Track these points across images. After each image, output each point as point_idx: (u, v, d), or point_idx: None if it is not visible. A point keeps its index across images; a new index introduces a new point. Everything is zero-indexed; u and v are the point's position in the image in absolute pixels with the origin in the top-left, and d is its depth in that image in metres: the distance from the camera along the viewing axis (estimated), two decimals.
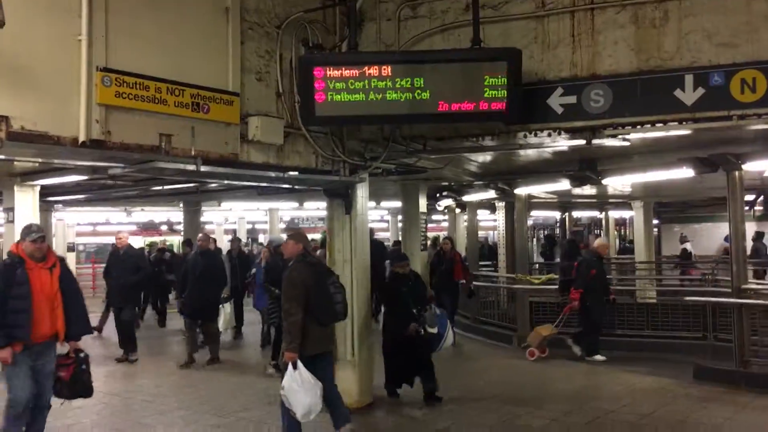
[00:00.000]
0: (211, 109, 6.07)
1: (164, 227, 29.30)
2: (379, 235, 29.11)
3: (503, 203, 15.23)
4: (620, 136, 7.17)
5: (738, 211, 8.84)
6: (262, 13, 6.78)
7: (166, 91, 5.71)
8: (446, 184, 13.96)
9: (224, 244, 18.43)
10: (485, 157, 10.29)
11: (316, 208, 23.64)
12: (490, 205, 17.67)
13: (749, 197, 14.78)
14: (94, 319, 9.38)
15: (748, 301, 8.77)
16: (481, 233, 22.71)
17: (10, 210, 9.95)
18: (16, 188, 9.78)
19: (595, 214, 27.08)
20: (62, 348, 5.94)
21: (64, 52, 5.15)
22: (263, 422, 7.03)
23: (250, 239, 30.39)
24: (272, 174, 7.03)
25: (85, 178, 8.71)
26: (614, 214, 25.41)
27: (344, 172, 7.65)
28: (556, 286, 12.09)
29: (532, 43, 6.87)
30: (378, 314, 11.77)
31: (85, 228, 29.31)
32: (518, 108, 6.44)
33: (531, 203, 15.52)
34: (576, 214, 26.34)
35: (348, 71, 6.38)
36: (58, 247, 20.45)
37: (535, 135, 7.13)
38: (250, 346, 12.22)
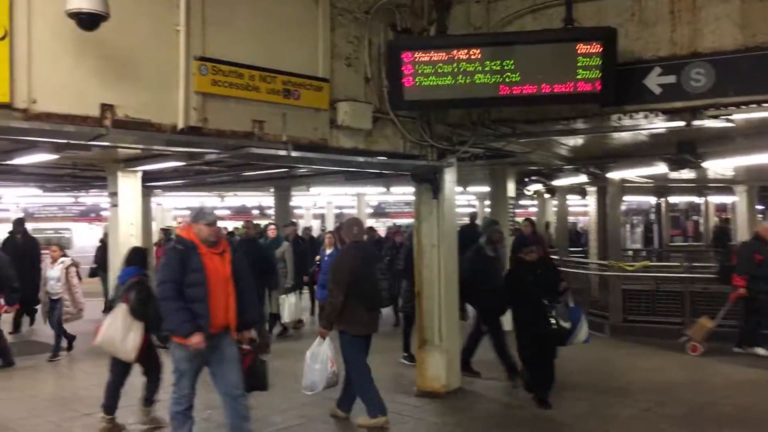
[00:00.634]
0: (302, 95, 6.18)
1: (256, 212, 30.17)
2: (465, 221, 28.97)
3: (595, 188, 14.84)
4: (723, 117, 6.80)
5: None
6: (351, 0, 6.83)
7: (258, 78, 5.84)
8: (535, 168, 13.70)
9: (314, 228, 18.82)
10: (576, 141, 10.03)
11: (402, 193, 23.72)
12: (580, 190, 17.27)
13: None
14: None
15: None
16: (571, 219, 22.20)
17: (114, 194, 10.50)
18: (119, 174, 10.33)
19: (694, 199, 25.93)
20: None
21: (164, 42, 5.35)
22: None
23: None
24: (360, 159, 7.09)
25: (182, 163, 9.10)
26: (714, 199, 24.23)
27: (432, 157, 7.63)
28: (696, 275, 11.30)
29: (627, 21, 6.61)
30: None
31: (182, 212, 30.58)
32: (613, 89, 6.22)
33: (625, 188, 15.02)
34: (673, 199, 25.33)
35: (436, 55, 6.34)
36: (156, 230, 21.31)
37: (630, 117, 6.89)
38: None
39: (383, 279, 6.42)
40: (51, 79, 4.73)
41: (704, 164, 10.18)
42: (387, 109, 6.97)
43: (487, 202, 17.80)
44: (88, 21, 4.56)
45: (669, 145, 9.74)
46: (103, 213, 25.75)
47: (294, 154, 6.27)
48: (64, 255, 9.86)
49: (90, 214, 28.28)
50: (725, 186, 18.61)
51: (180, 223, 11.11)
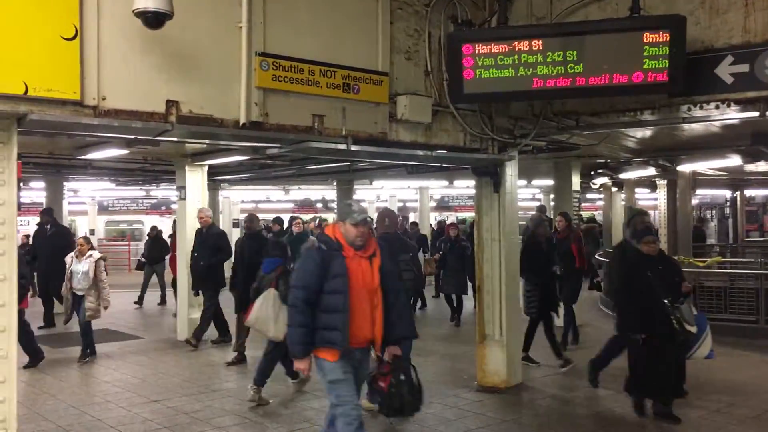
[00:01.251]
0: (361, 89, 6.20)
1: (319, 205, 30.51)
2: (530, 215, 28.54)
3: (665, 181, 14.41)
4: None
5: None
6: None
7: (318, 73, 5.89)
8: (601, 161, 13.40)
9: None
10: (644, 133, 9.76)
11: (466, 186, 23.56)
12: (649, 183, 16.80)
13: None
14: None
15: None
16: None
17: (182, 188, 10.80)
18: (187, 168, 10.61)
19: None
20: None
21: (226, 39, 5.45)
22: None
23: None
24: (420, 152, 7.07)
25: (246, 158, 9.30)
26: None
27: (492, 150, 7.54)
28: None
29: (697, 9, 6.36)
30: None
31: (248, 205, 31.21)
32: (682, 79, 6.00)
33: (696, 180, 14.52)
34: (749, 192, 24.33)
35: (497, 47, 6.25)
36: (225, 223, 21.85)
37: (701, 108, 6.64)
38: None
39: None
40: (119, 76, 4.88)
41: None
42: (447, 102, 6.92)
43: (552, 196, 17.51)
44: (153, 20, 4.69)
45: (743, 136, 9.38)
46: (172, 206, 26.53)
47: (353, 148, 6.31)
48: (92, 248, 9.20)
49: (161, 207, 29.18)
50: None
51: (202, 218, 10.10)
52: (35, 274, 11.86)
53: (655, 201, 17.25)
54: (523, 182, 19.97)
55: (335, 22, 6.13)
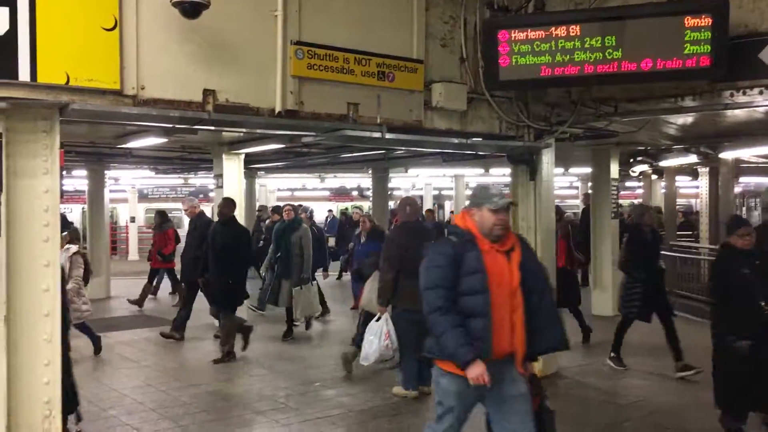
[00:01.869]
0: (396, 77, 6.19)
1: (355, 193, 30.61)
2: (568, 203, 28.26)
3: (706, 168, 14.10)
4: None
5: None
6: None
7: (353, 61, 5.90)
8: (641, 148, 13.15)
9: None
10: (685, 119, 9.54)
11: (502, 174, 23.39)
12: (691, 171, 16.46)
13: None
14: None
15: None
16: (680, 201, 21.24)
17: (219, 176, 10.92)
18: (224, 156, 10.71)
19: None
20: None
21: (263, 28, 5.50)
22: None
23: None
24: (455, 140, 7.05)
25: (282, 146, 9.35)
26: None
27: (528, 138, 7.47)
28: None
29: None
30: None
31: (284, 193, 31.45)
32: (724, 64, 5.86)
33: (740, 168, 14.18)
34: None
35: (533, 33, 6.19)
36: (246, 211, 21.93)
37: (744, 93, 6.47)
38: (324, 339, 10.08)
39: None
40: (157, 66, 4.97)
41: None
42: (482, 89, 6.87)
43: (590, 184, 17.29)
44: (190, 9, 4.76)
45: None
46: (210, 194, 26.90)
47: (388, 136, 6.32)
48: (72, 242, 8.22)
49: (199, 195, 29.59)
50: None
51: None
52: None
53: (696, 189, 16.90)
54: (560, 170, 19.73)
55: (370, 10, 6.13)
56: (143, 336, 9.83)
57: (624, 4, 6.71)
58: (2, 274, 4.51)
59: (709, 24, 5.73)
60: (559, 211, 9.29)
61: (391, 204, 18.18)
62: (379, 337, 6.68)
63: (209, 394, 6.93)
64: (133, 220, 25.94)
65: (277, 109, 5.54)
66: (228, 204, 8.79)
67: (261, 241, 13.86)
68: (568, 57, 6.13)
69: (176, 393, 7.05)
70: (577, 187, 28.42)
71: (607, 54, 6.04)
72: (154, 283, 13.36)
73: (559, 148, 8.05)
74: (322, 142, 7.45)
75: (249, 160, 12.33)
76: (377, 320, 6.77)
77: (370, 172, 18.04)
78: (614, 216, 12.05)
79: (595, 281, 12.01)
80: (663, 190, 18.39)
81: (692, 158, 12.93)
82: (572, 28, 6.09)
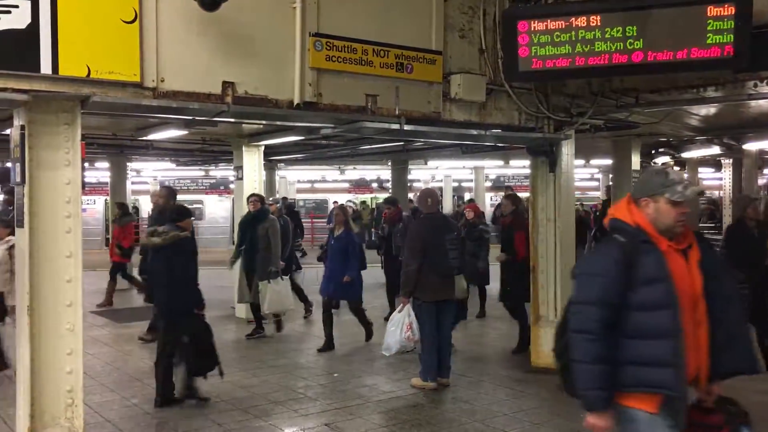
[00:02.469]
0: (415, 68, 6.17)
1: (374, 185, 30.63)
2: (589, 195, 28.03)
3: (730, 160, 13.93)
4: None
5: None
6: None
7: (372, 52, 5.89)
8: (663, 139, 13.01)
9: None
10: (708, 110, 9.44)
11: (522, 166, 23.30)
12: (714, 162, 16.28)
13: None
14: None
15: None
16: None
17: (239, 168, 11.00)
18: (244, 148, 10.78)
19: None
20: None
21: (281, 20, 5.50)
22: None
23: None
24: (474, 132, 7.01)
25: (301, 138, 9.38)
26: None
27: (548, 129, 7.42)
28: None
29: None
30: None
31: (304, 185, 31.54)
32: (748, 54, 5.75)
33: (764, 159, 13.99)
34: None
35: (553, 23, 6.12)
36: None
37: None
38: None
39: (453, 249, 6.83)
40: (177, 58, 4.99)
41: None
42: (502, 80, 6.83)
43: (611, 176, 17.15)
44: (209, 2, 4.79)
45: None
46: (230, 186, 27.07)
47: (406, 127, 6.30)
48: (12, 234, 6.63)
49: (219, 187, 29.79)
50: None
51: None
52: None
53: (720, 181, 16.70)
54: (581, 162, 19.59)
55: (388, 1, 6.11)
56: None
57: None
58: (26, 265, 4.58)
59: (732, 13, 5.63)
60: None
61: (410, 195, 18.14)
62: (400, 327, 6.71)
63: (228, 384, 6.99)
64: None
65: (296, 100, 5.54)
66: (167, 193, 8.44)
67: None
68: (588, 47, 6.06)
69: (197, 383, 7.12)
70: (598, 179, 28.22)
71: (628, 44, 5.96)
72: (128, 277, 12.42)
73: (580, 140, 8.00)
74: (341, 134, 7.47)
75: (269, 152, 12.40)
76: (399, 311, 6.81)
77: (389, 163, 18.05)
78: None
79: None
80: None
81: (715, 149, 12.79)
82: (593, 18, 6.01)
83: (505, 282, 8.62)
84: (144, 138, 10.35)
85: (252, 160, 10.94)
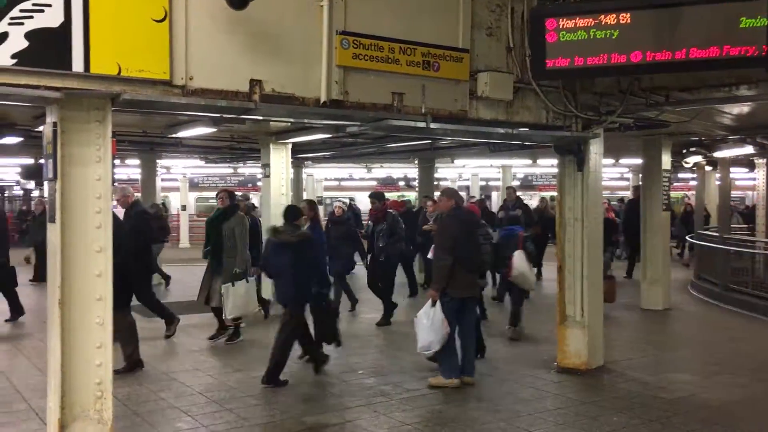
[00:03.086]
0: (441, 66, 6.16)
1: (401, 183, 30.63)
2: (619, 195, 27.69)
3: (764, 160, 13.68)
4: None
5: None
6: None
7: (398, 50, 5.89)
8: (695, 138, 12.82)
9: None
10: (741, 109, 9.28)
11: (550, 165, 23.09)
12: (747, 162, 16.00)
13: None
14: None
15: None
16: (736, 193, 20.59)
17: (266, 165, 11.09)
18: (271, 146, 10.87)
19: None
20: None
21: (308, 18, 5.53)
22: None
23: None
24: (501, 130, 6.98)
25: (328, 136, 9.42)
26: None
27: (576, 128, 7.35)
28: None
29: None
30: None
31: (331, 183, 31.65)
32: None
33: None
34: None
35: (582, 21, 6.07)
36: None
37: None
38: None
39: (485, 244, 7.05)
40: (205, 56, 5.05)
41: None
42: (529, 78, 6.79)
43: (641, 176, 16.94)
44: (238, 0, 4.83)
45: None
46: (258, 183, 27.29)
47: (433, 125, 6.29)
48: None
49: (248, 184, 30.03)
50: None
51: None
52: None
53: (753, 181, 16.40)
54: (610, 161, 19.36)
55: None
56: (192, 322, 10.03)
57: None
58: (57, 259, 4.67)
59: (765, 11, 5.54)
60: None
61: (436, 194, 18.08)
62: (437, 329, 6.60)
63: (254, 379, 7.05)
64: (184, 208, 26.47)
65: (323, 98, 5.57)
66: (125, 191, 8.05)
67: None
68: (617, 45, 6.00)
69: (223, 378, 7.21)
70: (628, 179, 27.88)
71: (658, 42, 5.90)
72: None
73: (609, 138, 7.91)
74: (368, 132, 7.49)
75: (296, 149, 12.47)
76: (432, 306, 6.68)
77: (416, 162, 18.02)
78: (665, 208, 11.80)
79: (644, 274, 11.77)
80: (718, 182, 17.90)
81: (748, 149, 12.56)
82: (622, 16, 5.96)
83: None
84: (174, 135, 10.48)
85: (279, 157, 11.02)
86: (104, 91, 4.67)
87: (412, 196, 27.35)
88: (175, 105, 5.20)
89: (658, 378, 7.30)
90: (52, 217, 4.74)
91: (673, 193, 13.41)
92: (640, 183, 18.90)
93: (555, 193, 8.45)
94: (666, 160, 11.84)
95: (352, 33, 5.66)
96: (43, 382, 5.10)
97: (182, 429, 5.72)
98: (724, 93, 7.06)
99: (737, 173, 19.68)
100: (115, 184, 7.28)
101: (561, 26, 6.13)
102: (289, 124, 9.15)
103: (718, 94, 7.13)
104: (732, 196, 18.50)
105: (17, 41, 4.32)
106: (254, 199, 16.17)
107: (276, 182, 10.95)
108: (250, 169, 25.32)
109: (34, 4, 4.37)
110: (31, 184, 26.24)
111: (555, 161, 8.08)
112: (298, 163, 18.15)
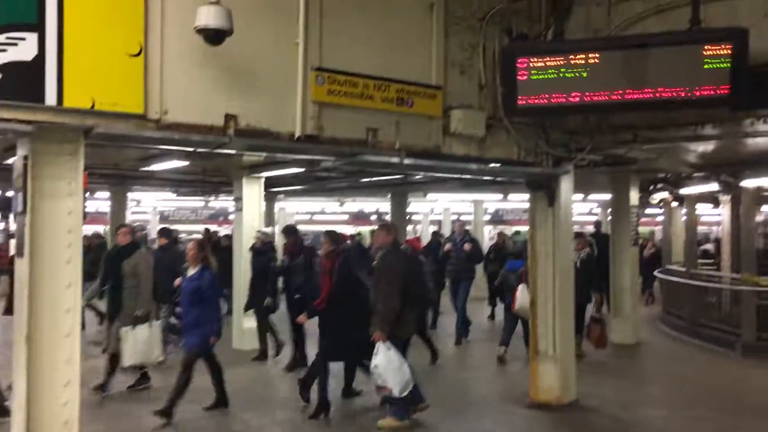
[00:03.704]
0: (415, 103, 6.24)
1: (373, 217, 30.67)
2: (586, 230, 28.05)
3: (728, 197, 13.98)
4: None
5: None
6: (466, 6, 6.80)
7: (373, 87, 5.96)
8: (662, 175, 13.09)
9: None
10: (706, 147, 9.51)
11: (520, 200, 23.35)
12: (712, 199, 16.32)
13: None
14: None
15: None
16: (702, 228, 20.96)
17: (239, 199, 11.02)
18: (244, 180, 10.82)
19: None
20: None
21: (284, 54, 5.58)
22: None
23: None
24: (473, 166, 7.07)
25: (302, 170, 9.43)
26: None
27: (547, 164, 7.47)
28: None
29: (763, 21, 6.18)
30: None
31: (303, 217, 31.55)
32: (744, 92, 5.82)
33: (762, 196, 14.03)
34: None
35: (552, 60, 6.20)
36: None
37: (765, 122, 6.49)
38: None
39: (430, 281, 7.09)
40: (180, 91, 5.05)
41: None
42: (501, 115, 6.89)
43: (609, 211, 17.19)
44: (214, 36, 4.86)
45: None
46: (230, 216, 27.11)
47: (407, 161, 6.35)
48: None
49: (219, 217, 29.82)
50: None
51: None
52: None
53: (719, 217, 16.74)
54: (580, 196, 19.64)
55: (390, 36, 6.20)
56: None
57: (643, 33, 6.73)
58: (25, 294, 4.58)
59: (729, 53, 5.72)
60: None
61: (409, 228, 18.14)
62: (402, 366, 6.42)
63: (228, 416, 6.91)
64: (153, 242, 26.16)
65: (297, 133, 5.59)
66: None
67: None
68: (586, 84, 6.13)
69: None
70: (596, 214, 28.27)
71: (626, 82, 6.04)
72: None
73: (579, 175, 8.03)
74: (342, 167, 7.52)
75: (269, 183, 12.41)
76: (387, 349, 6.41)
77: (389, 196, 18.11)
78: (633, 243, 11.97)
79: (615, 309, 11.88)
80: (684, 218, 18.24)
81: (713, 186, 12.83)
82: (591, 56, 6.10)
83: None
84: (145, 168, 10.40)
85: (252, 191, 10.96)
86: (77, 124, 4.65)
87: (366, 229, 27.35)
88: (149, 139, 5.19)
89: (630, 413, 7.33)
90: (21, 251, 4.66)
91: (641, 228, 13.63)
92: (599, 219, 19.18)
93: (518, 228, 8.57)
94: (634, 196, 12.05)
95: (328, 69, 5.72)
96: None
97: None
98: (690, 132, 7.22)
99: (703, 209, 20.07)
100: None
101: (531, 65, 6.24)
102: (263, 158, 9.14)
103: (684, 132, 7.29)
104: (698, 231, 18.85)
105: None
106: (227, 231, 16.11)
107: (249, 216, 10.88)
108: (221, 203, 25.17)
109: (8, 38, 4.35)
110: None
111: (526, 196, 8.18)
112: (270, 197, 18.10)
